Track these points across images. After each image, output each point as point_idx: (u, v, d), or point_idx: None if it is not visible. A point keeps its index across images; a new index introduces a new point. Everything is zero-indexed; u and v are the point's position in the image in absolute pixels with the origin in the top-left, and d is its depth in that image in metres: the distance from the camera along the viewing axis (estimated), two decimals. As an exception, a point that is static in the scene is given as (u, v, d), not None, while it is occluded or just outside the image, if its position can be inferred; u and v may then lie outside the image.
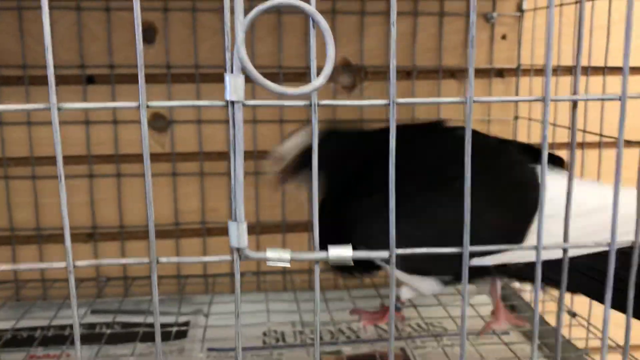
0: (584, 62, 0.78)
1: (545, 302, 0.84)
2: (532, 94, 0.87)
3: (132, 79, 0.85)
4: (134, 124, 0.85)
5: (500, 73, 0.90)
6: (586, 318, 0.77)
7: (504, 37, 0.89)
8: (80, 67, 0.83)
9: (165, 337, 0.76)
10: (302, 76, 0.87)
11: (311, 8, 0.27)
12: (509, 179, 0.59)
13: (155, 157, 0.87)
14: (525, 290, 0.88)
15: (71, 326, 0.79)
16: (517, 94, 0.89)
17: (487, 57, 0.89)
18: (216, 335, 0.76)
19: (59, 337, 0.76)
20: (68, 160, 0.85)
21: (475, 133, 0.66)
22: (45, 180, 0.85)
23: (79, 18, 0.82)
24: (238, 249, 0.30)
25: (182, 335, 0.76)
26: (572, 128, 0.35)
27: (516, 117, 0.90)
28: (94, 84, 0.84)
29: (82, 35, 0.83)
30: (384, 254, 0.30)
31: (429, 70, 0.88)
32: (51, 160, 0.85)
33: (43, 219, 0.86)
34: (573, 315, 0.78)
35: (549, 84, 0.33)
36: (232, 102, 0.28)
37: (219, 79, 0.86)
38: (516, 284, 0.91)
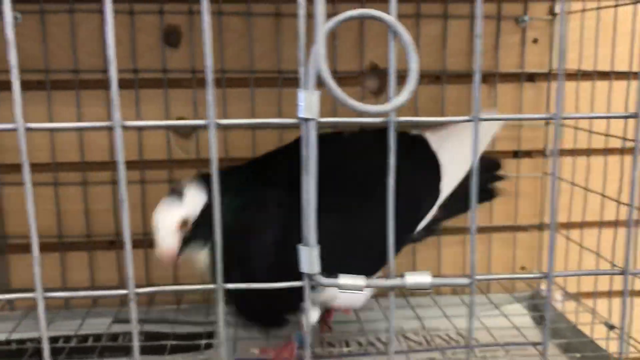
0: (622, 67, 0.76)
1: (579, 313, 0.82)
2: (564, 99, 0.85)
3: (156, 83, 0.83)
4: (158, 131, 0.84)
5: (532, 78, 0.88)
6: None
7: (535, 40, 0.87)
8: (103, 71, 0.81)
9: (194, 348, 0.74)
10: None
11: (392, 19, 0.25)
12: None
13: (179, 163, 0.85)
14: (557, 301, 0.86)
15: (95, 336, 0.78)
16: (548, 99, 0.87)
17: (518, 61, 0.87)
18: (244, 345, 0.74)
19: (83, 348, 0.74)
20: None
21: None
22: (67, 187, 0.84)
23: (103, 21, 0.80)
24: (310, 275, 0.28)
25: (210, 346, 0.74)
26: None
27: (547, 123, 0.88)
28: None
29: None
30: (464, 280, 0.29)
31: (459, 75, 0.86)
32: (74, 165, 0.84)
33: (64, 225, 0.84)
34: (611, 327, 0.76)
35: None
36: (307, 120, 0.26)
37: (244, 83, 0.84)
38: (553, 294, 0.89)
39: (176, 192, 0.59)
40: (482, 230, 0.90)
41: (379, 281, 0.28)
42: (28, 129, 0.27)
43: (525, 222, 0.91)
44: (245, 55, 0.83)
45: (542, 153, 0.89)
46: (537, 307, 0.87)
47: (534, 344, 0.77)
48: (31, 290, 0.82)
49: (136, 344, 0.30)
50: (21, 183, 0.81)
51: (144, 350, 0.73)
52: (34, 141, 0.83)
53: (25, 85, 0.80)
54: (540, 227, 0.90)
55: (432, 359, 0.74)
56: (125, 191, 0.28)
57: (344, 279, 0.28)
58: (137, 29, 0.81)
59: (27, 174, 0.26)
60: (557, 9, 0.85)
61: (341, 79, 0.84)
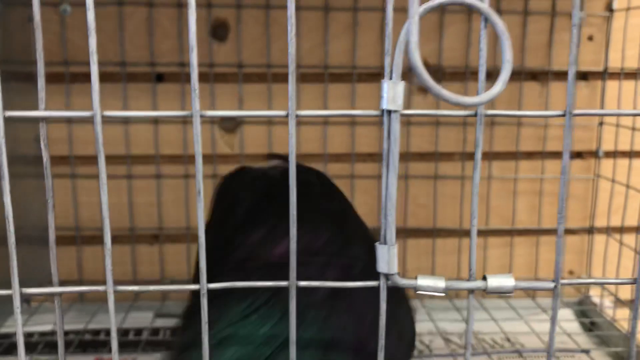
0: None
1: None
2: (621, 99, 0.82)
3: (202, 77, 0.82)
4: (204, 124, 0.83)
5: (585, 76, 0.85)
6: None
7: (590, 38, 0.84)
8: (150, 64, 0.81)
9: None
10: (376, 77, 0.84)
11: (486, 7, 0.24)
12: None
13: (223, 158, 0.84)
14: (608, 307, 0.84)
15: (136, 330, 0.77)
16: (602, 99, 0.85)
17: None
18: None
19: (125, 342, 0.74)
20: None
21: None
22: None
23: (151, 14, 0.80)
24: (387, 275, 0.26)
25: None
26: None
27: (601, 123, 0.85)
28: (163, 82, 0.82)
29: (154, 31, 0.81)
30: (548, 284, 0.27)
31: (511, 72, 0.84)
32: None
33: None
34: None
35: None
36: (390, 112, 0.25)
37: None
38: (596, 299, 0.86)
39: None
40: (529, 232, 0.88)
41: (459, 283, 0.27)
42: (105, 118, 0.26)
43: (574, 225, 0.88)
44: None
45: (594, 154, 0.87)
46: (586, 312, 0.84)
47: (583, 351, 0.75)
48: (76, 283, 0.83)
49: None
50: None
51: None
52: (80, 133, 0.83)
53: (73, 78, 0.81)
54: (590, 230, 0.88)
55: None
56: (201, 182, 0.27)
57: (423, 280, 0.26)
58: (185, 23, 0.81)
59: (102, 163, 0.26)
60: (615, 5, 0.82)
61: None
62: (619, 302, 0.82)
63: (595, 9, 0.83)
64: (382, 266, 0.26)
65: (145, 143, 0.83)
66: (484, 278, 0.27)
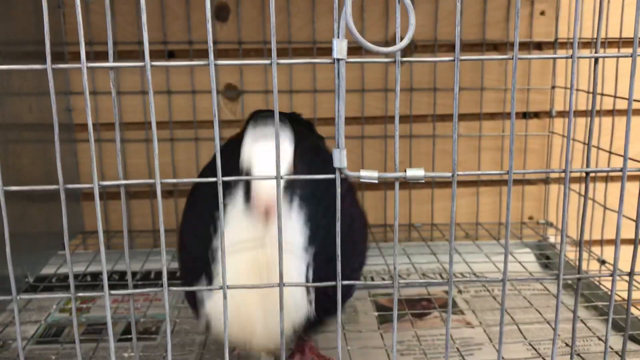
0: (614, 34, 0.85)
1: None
2: (568, 66, 0.95)
3: (207, 53, 0.95)
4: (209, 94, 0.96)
5: (539, 46, 0.98)
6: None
7: (542, 13, 0.97)
8: (163, 43, 0.94)
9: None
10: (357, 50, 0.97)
11: (398, -11, 0.37)
12: None
13: (227, 123, 0.98)
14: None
15: (156, 272, 0.91)
16: (554, 66, 0.98)
17: (527, 31, 0.97)
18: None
19: (147, 283, 0.88)
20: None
21: None
22: (133, 144, 0.97)
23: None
24: (339, 169, 0.40)
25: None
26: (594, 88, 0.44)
27: (553, 87, 0.99)
28: (174, 58, 0.96)
29: (165, 14, 0.94)
30: (447, 174, 0.41)
31: (474, 44, 0.97)
32: (139, 125, 0.97)
33: (130, 177, 0.98)
34: (602, 262, 0.87)
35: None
36: (338, 60, 0.38)
37: (284, 53, 0.96)
38: (552, 239, 1.00)
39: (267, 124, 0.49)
40: (493, 183, 1.01)
41: (388, 174, 0.40)
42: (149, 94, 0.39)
43: (533, 177, 1.02)
44: (285, 27, 0.95)
45: (548, 114, 1.00)
46: (542, 248, 0.98)
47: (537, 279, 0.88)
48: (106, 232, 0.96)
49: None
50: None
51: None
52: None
53: (96, 56, 0.94)
54: (546, 180, 1.01)
55: (445, 292, 0.86)
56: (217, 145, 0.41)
57: (364, 172, 0.40)
58: (192, 6, 0.94)
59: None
60: (563, -16, 0.95)
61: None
62: (569, 240, 0.96)
63: (546, -13, 0.96)
64: (336, 162, 0.40)
65: (160, 111, 0.96)
66: (405, 171, 0.40)
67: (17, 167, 0.82)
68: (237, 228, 0.48)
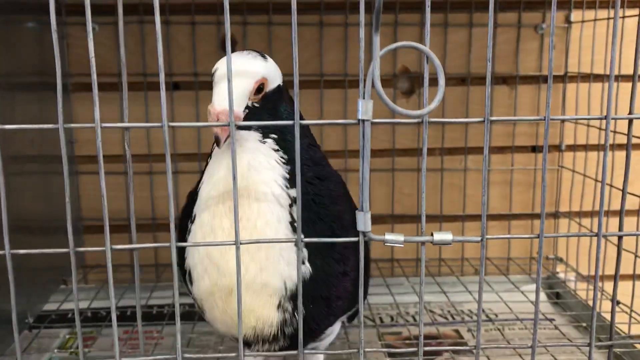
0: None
1: (590, 292, 0.92)
2: (579, 98, 0.94)
3: (212, 85, 0.94)
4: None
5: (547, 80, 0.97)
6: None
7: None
8: (168, 75, 0.93)
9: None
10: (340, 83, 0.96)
11: (426, 49, 0.36)
12: None
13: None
14: (570, 281, 0.96)
15: (158, 306, 0.89)
16: (564, 99, 0.97)
17: (537, 64, 0.96)
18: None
19: (150, 315, 0.86)
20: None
21: None
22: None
23: (168, 30, 0.92)
24: (364, 232, 0.38)
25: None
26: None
27: (563, 121, 0.98)
28: (179, 90, 0.94)
29: (170, 46, 0.93)
30: (476, 238, 0.39)
31: (483, 77, 0.96)
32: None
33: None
34: (618, 303, 0.85)
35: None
36: (363, 121, 0.37)
37: (290, 85, 0.94)
38: (561, 275, 0.98)
39: (256, 51, 0.51)
40: (501, 217, 1.00)
41: (414, 238, 0.39)
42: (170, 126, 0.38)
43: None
44: (290, 60, 0.93)
45: (557, 148, 0.99)
46: (552, 286, 0.96)
47: (548, 319, 0.87)
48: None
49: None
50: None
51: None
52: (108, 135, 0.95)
53: (101, 87, 0.92)
54: (555, 215, 1.00)
55: (456, 331, 0.84)
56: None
57: (389, 236, 0.38)
58: (198, 38, 0.93)
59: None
60: (572, 17, 0.95)
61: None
62: (579, 277, 0.95)
63: (556, 21, 0.95)
64: (360, 226, 0.38)
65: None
66: (432, 234, 0.39)
67: (19, 199, 0.80)
68: (215, 177, 0.49)
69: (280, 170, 0.48)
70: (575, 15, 0.94)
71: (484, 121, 0.39)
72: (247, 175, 0.47)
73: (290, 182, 0.48)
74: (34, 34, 0.86)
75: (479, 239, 0.39)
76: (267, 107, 0.49)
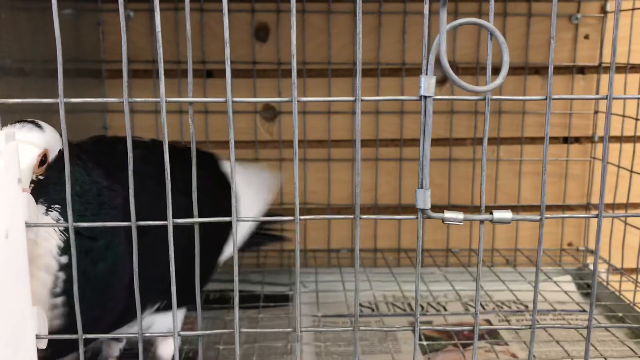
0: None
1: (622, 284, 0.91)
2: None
3: (246, 73, 0.95)
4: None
5: (582, 70, 0.97)
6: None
7: (586, 36, 0.96)
8: (202, 62, 0.93)
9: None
10: (398, 71, 0.95)
11: (491, 26, 0.36)
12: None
13: (264, 144, 0.96)
14: (602, 272, 0.95)
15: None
16: (597, 91, 0.96)
17: (570, 55, 0.96)
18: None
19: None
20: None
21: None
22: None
23: (202, 18, 0.92)
24: (422, 210, 0.38)
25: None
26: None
27: (596, 112, 0.97)
28: (212, 78, 0.95)
29: (204, 33, 0.93)
30: (535, 217, 0.39)
31: (516, 67, 0.95)
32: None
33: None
34: None
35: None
36: (425, 97, 0.37)
37: (323, 74, 0.95)
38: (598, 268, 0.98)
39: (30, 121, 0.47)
40: (532, 208, 0.99)
41: (473, 216, 0.39)
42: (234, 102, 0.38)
43: (574, 202, 1.00)
44: (324, 48, 0.94)
45: (590, 139, 0.98)
46: (583, 277, 0.96)
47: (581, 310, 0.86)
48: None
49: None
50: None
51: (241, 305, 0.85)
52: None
53: (135, 74, 0.93)
54: (587, 207, 0.99)
55: (487, 320, 0.84)
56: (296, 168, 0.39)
57: (448, 214, 0.38)
58: (231, 26, 0.93)
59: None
60: (609, 7, 0.94)
61: (409, 69, 0.95)
62: (611, 268, 0.94)
63: (591, 11, 0.95)
64: (419, 204, 0.38)
65: (198, 130, 0.95)
66: (491, 213, 0.39)
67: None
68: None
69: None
70: (611, 4, 0.93)
71: (545, 99, 0.39)
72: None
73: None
74: (69, 20, 0.86)
75: (539, 217, 0.39)
76: (52, 176, 0.46)
